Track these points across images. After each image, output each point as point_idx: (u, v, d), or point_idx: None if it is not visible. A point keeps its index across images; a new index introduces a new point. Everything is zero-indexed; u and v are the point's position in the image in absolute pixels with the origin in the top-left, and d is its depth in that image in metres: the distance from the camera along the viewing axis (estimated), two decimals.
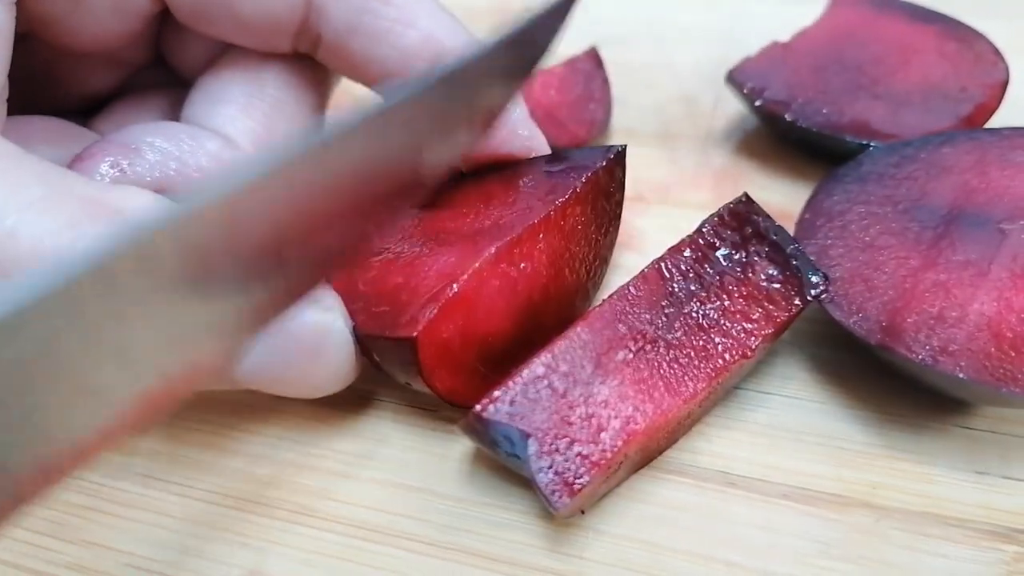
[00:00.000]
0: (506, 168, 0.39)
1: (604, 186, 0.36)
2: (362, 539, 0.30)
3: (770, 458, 0.32)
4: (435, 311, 0.30)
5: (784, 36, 0.57)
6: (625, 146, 0.37)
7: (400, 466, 0.32)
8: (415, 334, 0.29)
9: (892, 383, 0.34)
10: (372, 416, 0.34)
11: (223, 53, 0.36)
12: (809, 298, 0.32)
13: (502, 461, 0.30)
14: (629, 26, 0.52)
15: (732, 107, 0.52)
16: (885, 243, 0.34)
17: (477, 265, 0.31)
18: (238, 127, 0.34)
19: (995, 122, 0.41)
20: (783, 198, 0.44)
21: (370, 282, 0.34)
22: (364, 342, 0.31)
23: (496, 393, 0.29)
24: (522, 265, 0.33)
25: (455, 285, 0.30)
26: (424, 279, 0.32)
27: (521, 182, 0.37)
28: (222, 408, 0.35)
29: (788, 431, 0.33)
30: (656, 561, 0.29)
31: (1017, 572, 0.28)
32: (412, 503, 0.31)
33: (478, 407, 0.29)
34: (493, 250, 0.32)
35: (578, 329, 0.31)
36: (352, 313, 0.33)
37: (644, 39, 0.54)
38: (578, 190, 0.35)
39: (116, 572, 0.29)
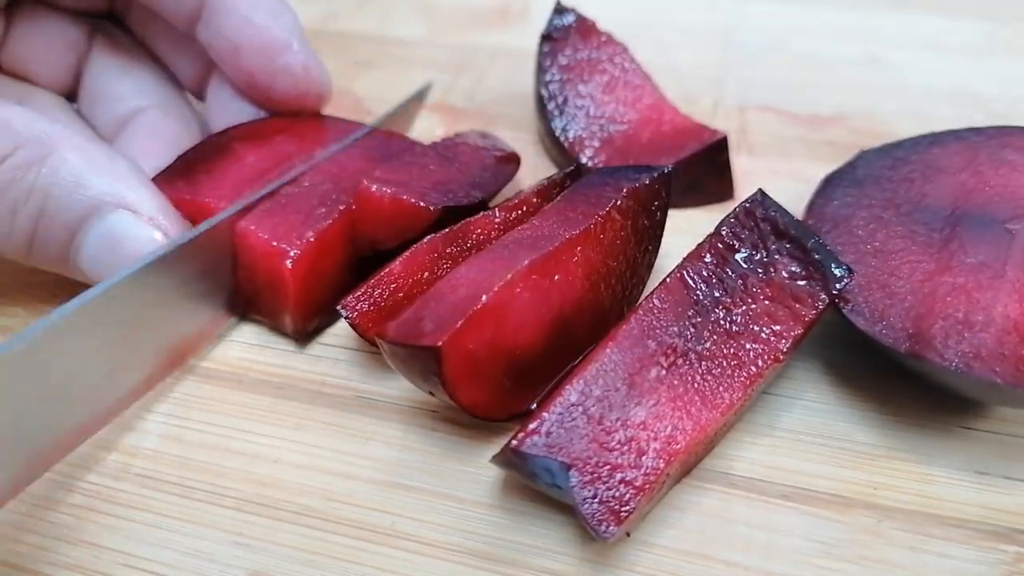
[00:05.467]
0: (545, 181, 0.39)
1: (646, 203, 0.36)
2: (363, 540, 0.30)
3: (771, 459, 0.32)
4: (462, 322, 0.29)
5: (784, 36, 0.57)
6: (672, 168, 0.36)
7: (402, 467, 0.32)
8: (439, 344, 0.28)
9: (893, 383, 0.34)
10: (373, 416, 0.34)
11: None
12: (835, 291, 0.31)
13: (542, 491, 0.30)
14: (629, 27, 0.52)
15: (732, 107, 0.52)
16: (895, 247, 0.34)
17: (510, 277, 0.31)
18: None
19: None
20: (785, 198, 0.44)
21: (400, 288, 0.34)
22: (390, 348, 0.30)
23: (531, 425, 0.28)
24: (556, 277, 0.32)
25: (484, 296, 0.30)
26: (456, 288, 0.31)
27: (561, 194, 0.37)
28: (222, 408, 0.35)
29: (789, 431, 0.33)
30: (657, 562, 0.29)
31: (1018, 572, 0.28)
32: (413, 503, 0.31)
33: (515, 442, 0.28)
34: (527, 262, 0.31)
35: (607, 350, 0.30)
36: (379, 319, 0.33)
37: (644, 39, 0.54)
38: (619, 203, 0.34)
39: (116, 572, 0.29)
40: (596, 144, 0.45)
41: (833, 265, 0.32)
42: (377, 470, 0.32)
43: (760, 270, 0.33)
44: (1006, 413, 0.33)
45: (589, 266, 0.34)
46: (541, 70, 0.47)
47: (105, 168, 0.33)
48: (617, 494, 0.28)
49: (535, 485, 0.29)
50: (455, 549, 0.30)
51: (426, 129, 0.51)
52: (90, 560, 0.30)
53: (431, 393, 0.31)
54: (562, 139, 0.45)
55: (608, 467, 0.28)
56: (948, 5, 0.61)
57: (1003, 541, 0.29)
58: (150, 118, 0.42)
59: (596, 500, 0.27)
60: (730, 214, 0.34)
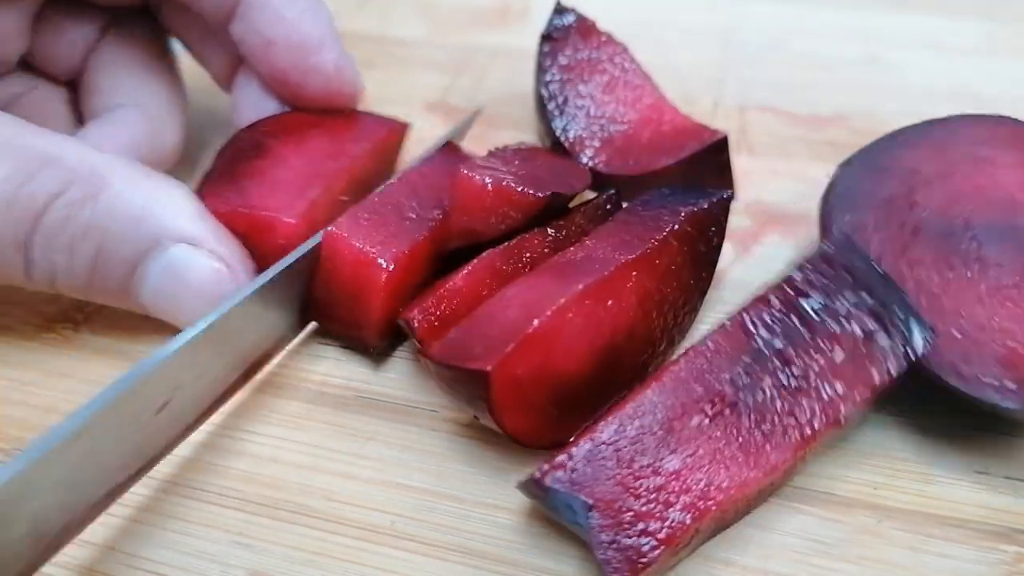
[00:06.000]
0: (587, 203, 0.38)
1: (704, 229, 0.35)
2: (363, 540, 0.30)
3: None
4: (512, 346, 0.28)
5: (784, 36, 0.57)
6: (732, 193, 0.36)
7: (402, 467, 0.32)
8: (489, 368, 0.28)
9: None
10: (374, 416, 0.34)
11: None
12: (914, 357, 0.29)
13: (564, 525, 0.29)
14: (629, 27, 0.52)
15: (732, 107, 0.52)
16: (933, 280, 0.32)
17: (563, 301, 0.29)
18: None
19: None
20: (784, 198, 0.44)
21: (450, 305, 0.33)
22: (436, 368, 0.30)
23: (558, 458, 0.28)
24: (609, 303, 0.31)
25: (536, 321, 0.29)
26: (506, 309, 0.31)
27: (616, 216, 0.36)
28: (224, 409, 0.35)
29: None
30: None
31: (1018, 572, 0.28)
32: (414, 503, 0.31)
33: (538, 473, 0.27)
34: (581, 287, 0.30)
35: (648, 391, 0.29)
36: (427, 335, 0.32)
37: (644, 39, 0.54)
38: (676, 228, 0.33)
39: (116, 572, 0.29)
40: (596, 144, 0.45)
41: (916, 328, 0.29)
42: (377, 470, 0.32)
43: (832, 323, 0.30)
44: (1006, 414, 0.33)
45: (643, 292, 0.32)
46: (541, 70, 0.47)
47: (161, 200, 0.33)
48: (636, 544, 0.26)
49: (557, 518, 0.29)
50: (455, 549, 0.30)
51: (426, 130, 0.51)
52: (90, 560, 0.30)
53: (476, 417, 0.31)
54: (562, 139, 0.45)
55: (631, 514, 0.27)
56: (948, 5, 0.61)
57: (1003, 541, 0.29)
58: (120, 115, 0.41)
59: (614, 547, 0.26)
60: (807, 257, 0.31)
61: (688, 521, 0.27)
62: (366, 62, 0.58)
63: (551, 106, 0.46)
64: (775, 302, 0.31)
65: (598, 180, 0.43)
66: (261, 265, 0.36)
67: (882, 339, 0.29)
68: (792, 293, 0.31)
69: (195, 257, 0.33)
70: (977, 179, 0.36)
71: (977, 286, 0.32)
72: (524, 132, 0.50)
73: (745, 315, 0.30)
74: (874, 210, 0.36)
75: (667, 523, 0.27)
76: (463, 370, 0.28)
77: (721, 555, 0.29)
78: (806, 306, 0.30)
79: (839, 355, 0.29)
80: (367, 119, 0.43)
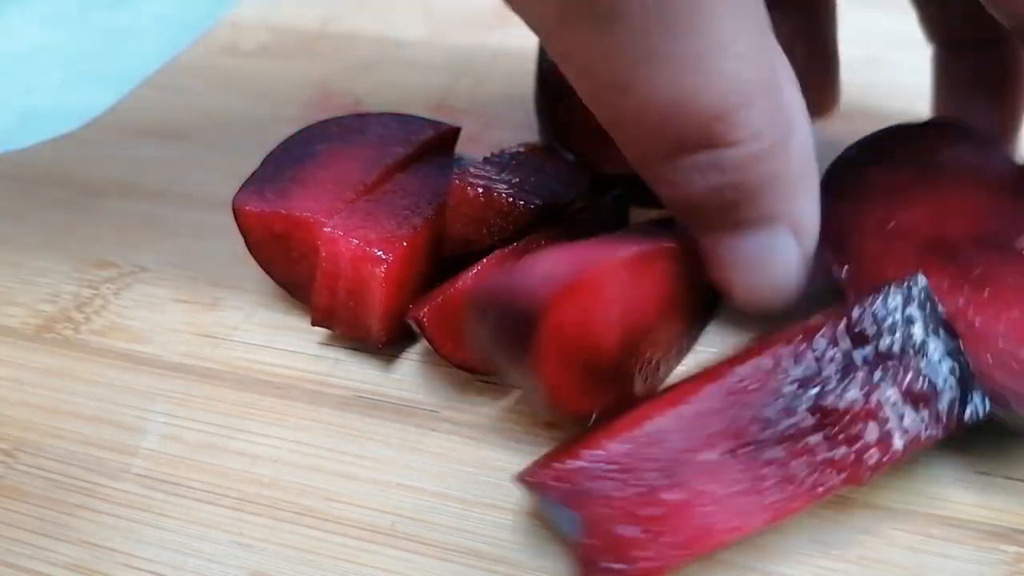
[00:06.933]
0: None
1: None
2: (363, 540, 0.30)
3: None
4: (564, 287, 0.27)
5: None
6: None
7: (402, 467, 0.32)
8: (543, 305, 0.26)
9: None
10: (374, 416, 0.34)
11: None
12: (962, 423, 0.27)
13: (555, 530, 0.28)
14: None
15: None
16: (956, 306, 0.30)
17: (610, 261, 0.29)
18: None
19: None
20: None
21: (460, 304, 0.33)
22: (473, 310, 0.29)
23: (555, 463, 0.26)
24: (643, 280, 0.31)
25: (585, 271, 0.28)
26: (556, 264, 0.29)
27: (634, 224, 0.37)
28: (222, 408, 0.35)
29: None
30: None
31: (1018, 572, 0.28)
32: (414, 504, 0.31)
33: (534, 475, 0.27)
34: (626, 254, 0.30)
35: (662, 416, 0.27)
36: (437, 334, 0.32)
37: None
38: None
39: (115, 572, 0.29)
40: (596, 144, 0.45)
41: (974, 392, 0.27)
42: (377, 470, 0.32)
43: (879, 373, 0.27)
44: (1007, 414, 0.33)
45: (668, 286, 0.32)
46: (541, 70, 0.47)
47: (806, 175, 0.29)
48: (620, 570, 0.25)
49: (547, 518, 0.29)
50: (456, 549, 0.30)
51: None
52: (90, 560, 0.30)
53: (506, 370, 0.30)
54: (563, 139, 0.45)
55: (621, 539, 0.25)
56: None
57: (1003, 541, 0.29)
58: None
59: (594, 570, 0.25)
60: (867, 297, 0.28)
61: (678, 558, 0.26)
62: (366, 62, 0.58)
63: (551, 106, 0.46)
64: (817, 343, 0.28)
65: (599, 180, 0.42)
66: (298, 267, 0.36)
67: (929, 399, 0.27)
68: (837, 340, 0.28)
69: (789, 250, 0.29)
70: (954, 189, 0.34)
71: (996, 303, 0.30)
72: (524, 132, 0.50)
73: (778, 349, 0.28)
74: (863, 242, 0.34)
75: (655, 556, 0.25)
76: (513, 307, 0.27)
77: (723, 556, 0.29)
78: (851, 352, 0.28)
79: (875, 410, 0.27)
80: (414, 122, 0.42)
